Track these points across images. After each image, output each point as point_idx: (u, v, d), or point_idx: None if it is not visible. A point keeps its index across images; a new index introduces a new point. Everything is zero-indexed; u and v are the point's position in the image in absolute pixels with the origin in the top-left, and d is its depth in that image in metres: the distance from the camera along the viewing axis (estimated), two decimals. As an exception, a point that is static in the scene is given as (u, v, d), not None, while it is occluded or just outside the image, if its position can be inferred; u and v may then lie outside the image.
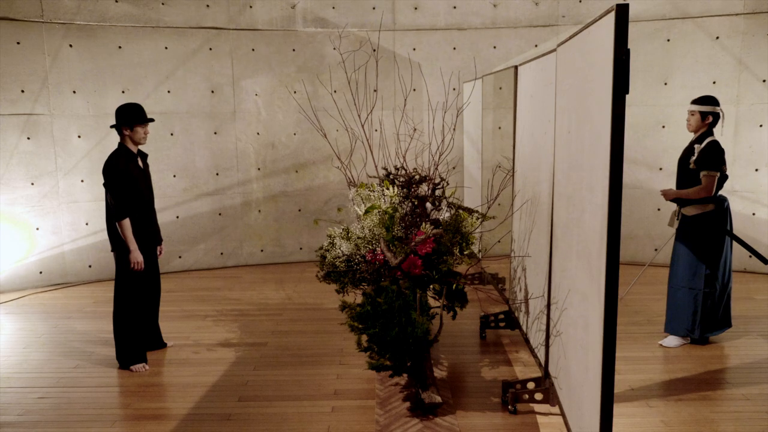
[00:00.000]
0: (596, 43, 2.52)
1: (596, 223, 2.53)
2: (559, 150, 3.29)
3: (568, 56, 3.09)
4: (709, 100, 4.34)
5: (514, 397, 3.58)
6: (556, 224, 3.39)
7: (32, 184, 6.40)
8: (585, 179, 2.73)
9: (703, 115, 4.33)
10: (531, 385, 3.63)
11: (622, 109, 2.26)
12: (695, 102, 4.39)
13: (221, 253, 7.25)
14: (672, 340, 4.54)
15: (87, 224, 6.63)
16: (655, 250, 6.69)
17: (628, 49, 2.22)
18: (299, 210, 7.37)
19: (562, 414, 3.26)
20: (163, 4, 6.66)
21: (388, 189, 4.11)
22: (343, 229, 4.07)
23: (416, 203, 4.11)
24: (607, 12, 2.31)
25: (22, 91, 6.25)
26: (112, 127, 4.33)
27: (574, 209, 2.95)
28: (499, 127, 7.00)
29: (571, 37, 2.99)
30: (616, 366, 2.44)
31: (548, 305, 3.54)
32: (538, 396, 3.58)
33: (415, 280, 3.74)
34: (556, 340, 3.37)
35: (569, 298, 3.07)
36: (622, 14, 2.20)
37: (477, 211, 4.17)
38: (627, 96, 2.27)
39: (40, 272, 6.53)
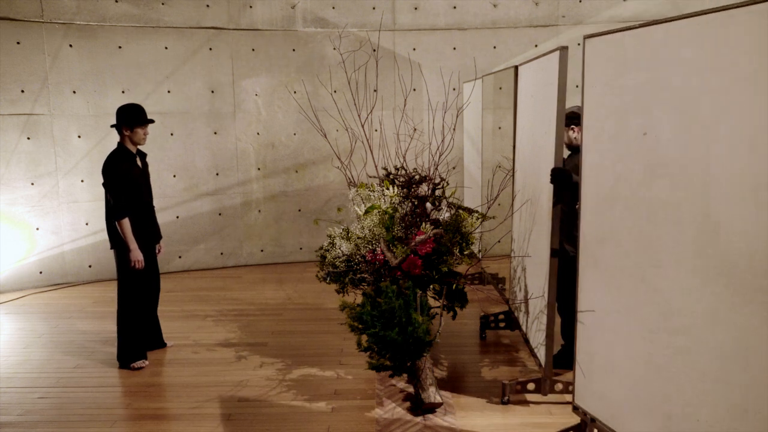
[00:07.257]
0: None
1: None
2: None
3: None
4: None
5: (506, 389, 3.61)
6: (556, 224, 3.39)
7: (32, 184, 6.40)
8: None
9: None
10: (531, 386, 3.63)
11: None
12: None
13: (221, 253, 7.25)
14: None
15: (87, 224, 6.63)
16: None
17: None
18: (299, 210, 7.37)
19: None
20: (163, 4, 6.66)
21: (388, 189, 4.11)
22: (343, 229, 4.07)
23: (416, 203, 4.10)
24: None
25: (22, 91, 6.26)
26: (112, 126, 4.34)
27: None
28: (499, 127, 6.99)
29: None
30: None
31: (548, 305, 3.54)
32: (536, 397, 3.58)
33: (415, 280, 3.74)
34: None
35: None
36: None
37: (477, 211, 4.17)
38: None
39: (40, 272, 6.53)
